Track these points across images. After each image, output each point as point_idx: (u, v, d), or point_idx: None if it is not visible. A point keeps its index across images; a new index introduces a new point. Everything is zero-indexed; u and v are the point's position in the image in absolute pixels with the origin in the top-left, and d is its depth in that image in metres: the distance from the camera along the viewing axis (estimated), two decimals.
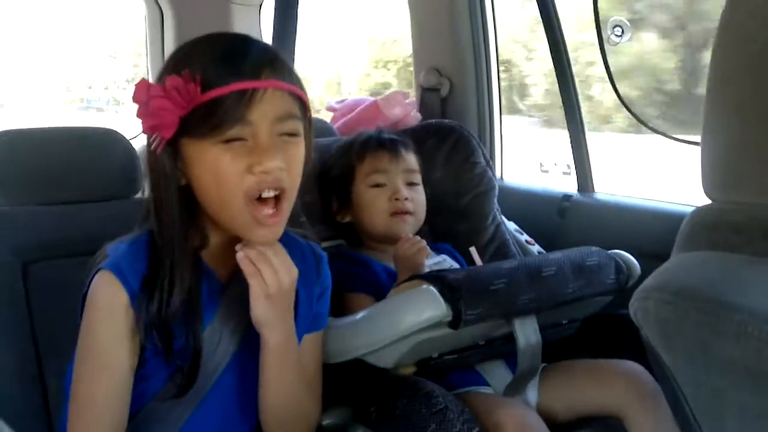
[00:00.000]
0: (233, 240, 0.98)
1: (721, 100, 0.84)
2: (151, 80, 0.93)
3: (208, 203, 0.96)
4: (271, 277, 0.93)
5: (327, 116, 2.10)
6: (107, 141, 1.36)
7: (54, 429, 1.15)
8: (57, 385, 1.13)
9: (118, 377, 0.94)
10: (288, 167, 0.94)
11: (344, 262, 1.45)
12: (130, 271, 0.94)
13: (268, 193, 0.93)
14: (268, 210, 0.93)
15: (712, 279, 0.72)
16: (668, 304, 0.71)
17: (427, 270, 1.41)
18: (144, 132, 0.93)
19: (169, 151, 0.93)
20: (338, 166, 1.53)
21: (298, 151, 0.96)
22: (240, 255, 0.94)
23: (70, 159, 1.32)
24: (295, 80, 0.97)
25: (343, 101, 2.10)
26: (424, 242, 1.39)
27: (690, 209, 1.57)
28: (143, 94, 0.90)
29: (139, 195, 1.39)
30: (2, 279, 1.17)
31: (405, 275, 1.33)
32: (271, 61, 0.94)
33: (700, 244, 0.84)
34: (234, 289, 1.00)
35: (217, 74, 0.90)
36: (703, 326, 0.68)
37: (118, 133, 1.38)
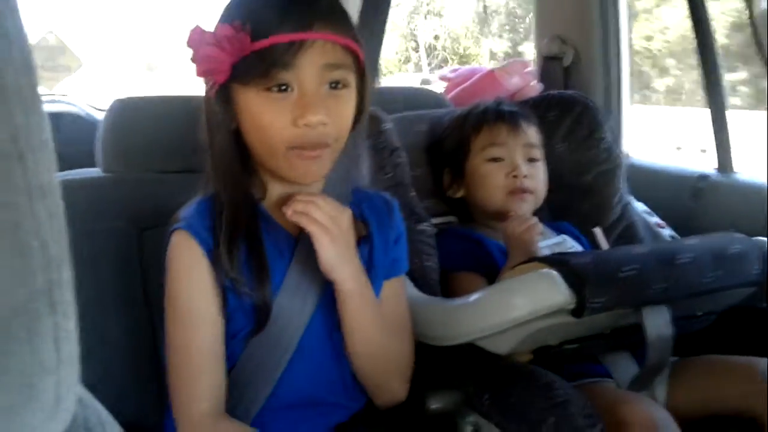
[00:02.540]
0: (293, 189, 1.00)
1: None
2: None
3: (256, 150, 0.98)
4: (325, 218, 0.94)
5: (440, 87, 2.03)
6: None
7: (165, 396, 1.17)
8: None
9: (208, 331, 0.96)
10: (333, 120, 0.95)
11: (455, 239, 1.39)
12: (201, 228, 0.97)
13: (313, 152, 0.95)
14: (310, 152, 0.95)
15: None
16: None
17: (545, 251, 1.33)
18: (197, 75, 0.96)
19: (222, 96, 0.95)
20: (452, 137, 1.47)
21: (346, 104, 0.97)
22: (289, 212, 0.95)
23: (187, 128, 1.32)
24: (349, 30, 0.97)
25: (457, 70, 2.03)
26: (535, 219, 1.31)
27: None
28: (195, 41, 0.93)
29: None
30: (118, 245, 1.20)
31: (517, 256, 1.26)
32: (322, 11, 0.94)
33: None
34: (306, 241, 1.00)
35: (267, 23, 0.91)
36: None
37: None
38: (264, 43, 0.90)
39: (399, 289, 1.11)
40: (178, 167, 1.30)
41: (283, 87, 0.93)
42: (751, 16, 1.50)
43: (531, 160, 1.42)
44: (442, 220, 1.49)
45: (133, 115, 1.29)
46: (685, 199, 1.69)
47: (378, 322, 1.02)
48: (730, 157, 1.69)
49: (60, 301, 0.31)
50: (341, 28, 0.95)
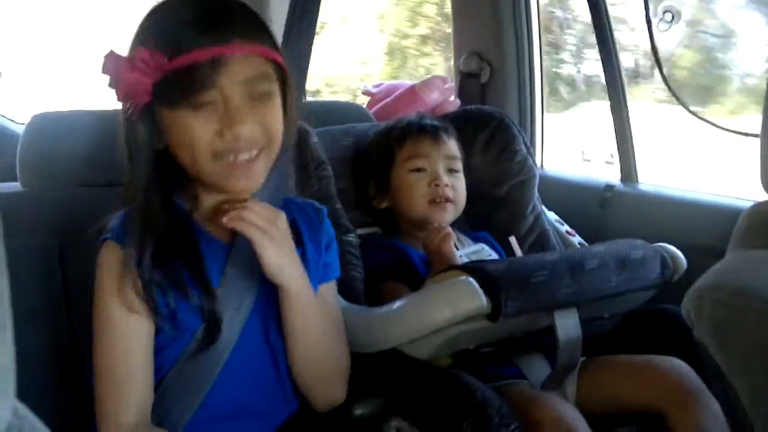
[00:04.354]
0: (227, 202, 1.00)
1: None
2: None
3: (186, 165, 0.97)
4: (262, 221, 0.95)
5: (363, 101, 2.07)
6: None
7: (89, 411, 1.16)
8: (91, 366, 1.14)
9: (135, 341, 0.96)
10: (264, 128, 0.96)
11: (379, 249, 1.43)
12: (127, 238, 0.97)
13: (243, 156, 0.95)
14: (241, 164, 0.95)
15: None
16: (725, 304, 0.68)
17: (464, 259, 1.39)
18: (118, 100, 0.95)
19: (145, 117, 0.95)
20: (378, 150, 1.51)
21: (273, 112, 0.98)
22: (225, 219, 0.95)
23: (105, 142, 1.31)
24: (268, 40, 0.98)
25: (380, 85, 2.08)
26: (448, 229, 1.36)
27: (738, 202, 1.53)
28: (111, 67, 0.92)
29: None
30: (39, 261, 1.18)
31: (438, 265, 1.31)
32: (238, 24, 0.94)
33: (757, 241, 0.80)
34: (238, 249, 1.01)
35: (184, 41, 0.90)
36: (761, 328, 0.65)
37: None
38: (182, 60, 0.90)
39: (333, 292, 1.14)
40: (98, 181, 1.29)
41: (207, 103, 0.92)
42: (651, 38, 1.60)
43: (451, 171, 1.47)
44: (366, 231, 1.52)
45: (52, 129, 1.27)
46: (593, 208, 1.78)
47: (321, 323, 1.04)
48: (634, 167, 1.79)
49: None
50: (259, 38, 0.96)
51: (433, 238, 1.35)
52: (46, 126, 1.27)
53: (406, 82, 2.02)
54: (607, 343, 1.34)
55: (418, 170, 1.45)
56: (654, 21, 1.54)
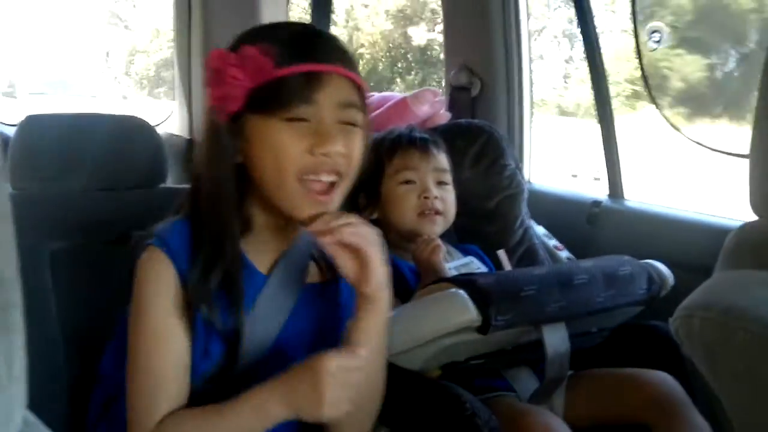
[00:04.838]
0: (277, 229, 1.00)
1: None
2: (175, 67, 0.93)
3: (264, 181, 0.96)
4: (359, 227, 0.94)
5: None
6: (135, 129, 1.36)
7: (78, 415, 1.15)
8: (82, 371, 1.13)
9: (174, 350, 0.93)
10: (347, 154, 0.95)
11: None
12: (176, 248, 0.94)
13: (327, 177, 0.94)
14: (321, 188, 0.94)
15: (759, 299, 0.70)
16: (714, 323, 0.69)
17: (452, 271, 1.39)
18: (212, 102, 0.94)
19: (231, 126, 0.94)
20: (367, 161, 1.51)
21: (358, 140, 0.97)
22: (339, 236, 0.92)
23: (98, 146, 1.31)
24: (357, 71, 0.98)
25: (370, 97, 2.08)
26: (437, 241, 1.37)
27: (725, 221, 1.55)
28: (218, 60, 0.92)
29: (163, 184, 1.39)
30: (29, 263, 1.17)
31: (428, 277, 1.32)
32: (339, 49, 0.97)
33: (745, 261, 0.81)
34: (274, 280, 1.00)
35: (289, 54, 0.92)
36: (750, 348, 0.66)
37: (145, 121, 1.38)
38: (286, 70, 0.91)
39: None
40: (89, 184, 1.29)
41: (302, 119, 0.93)
42: (640, 60, 1.63)
43: (441, 183, 1.48)
44: None
45: (43, 131, 1.27)
46: (581, 223, 1.80)
47: (381, 353, 1.01)
48: (621, 184, 1.81)
49: (13, 321, 0.33)
50: (354, 67, 0.97)
51: (422, 250, 1.36)
52: (38, 128, 1.26)
53: (397, 94, 2.04)
54: (595, 357, 1.35)
55: (408, 182, 1.46)
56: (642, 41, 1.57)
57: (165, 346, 0.93)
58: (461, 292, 1.11)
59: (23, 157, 1.25)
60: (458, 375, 1.21)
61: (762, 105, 0.84)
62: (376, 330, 0.98)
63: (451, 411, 1.07)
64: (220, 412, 0.91)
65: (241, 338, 0.95)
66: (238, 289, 0.95)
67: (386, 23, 8.36)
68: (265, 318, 0.99)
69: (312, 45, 0.95)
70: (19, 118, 1.28)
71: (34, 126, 1.27)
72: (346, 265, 0.94)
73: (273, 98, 0.92)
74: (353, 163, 0.97)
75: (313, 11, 1.40)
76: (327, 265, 1.06)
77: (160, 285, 0.94)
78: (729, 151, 1.42)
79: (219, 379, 0.96)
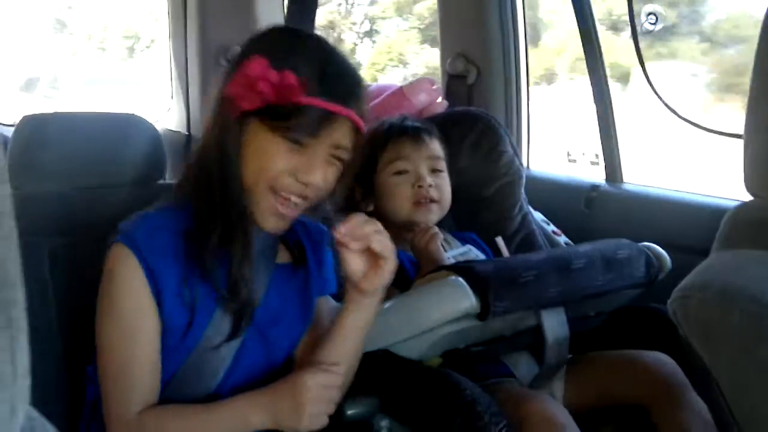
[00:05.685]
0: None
1: (766, 94, 0.81)
2: (172, 64, 0.96)
3: (244, 180, 1.00)
4: (386, 237, 0.99)
5: None
6: (132, 126, 1.36)
7: (75, 413, 1.16)
8: (80, 369, 1.14)
9: (145, 343, 0.98)
10: (322, 188, 1.02)
11: None
12: (143, 241, 0.98)
13: (295, 200, 1.00)
14: (286, 206, 1.00)
15: (756, 279, 0.71)
16: (711, 304, 0.69)
17: (451, 260, 1.40)
18: (229, 93, 0.98)
19: (238, 123, 0.99)
20: (361, 154, 1.51)
21: (334, 175, 1.04)
22: (377, 247, 0.97)
23: (96, 144, 1.32)
24: (365, 111, 1.04)
25: (367, 87, 2.08)
26: (435, 229, 1.37)
27: (722, 202, 1.56)
28: (257, 71, 0.95)
29: (161, 181, 1.39)
30: (27, 260, 1.17)
31: (426, 265, 1.32)
32: (359, 90, 1.03)
33: (742, 241, 0.82)
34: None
35: (319, 88, 0.96)
36: (746, 327, 0.66)
37: (143, 118, 1.38)
38: (309, 101, 0.96)
39: (328, 306, 1.17)
40: (87, 183, 1.30)
41: (299, 144, 0.98)
42: (636, 42, 1.63)
43: (435, 171, 1.48)
44: None
45: (42, 131, 1.27)
46: (579, 208, 1.80)
47: (362, 340, 1.07)
48: (619, 167, 1.82)
49: (16, 317, 0.33)
50: (364, 108, 1.04)
51: (420, 238, 1.36)
52: (36, 128, 1.27)
53: (394, 83, 2.03)
54: (593, 341, 1.36)
55: (401, 172, 1.45)
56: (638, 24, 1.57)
57: (134, 337, 0.98)
58: (460, 279, 1.11)
59: (22, 157, 1.25)
60: (458, 362, 1.22)
61: (756, 85, 0.84)
62: (366, 321, 1.05)
63: (452, 398, 1.07)
64: (203, 415, 0.97)
65: (250, 303, 1.01)
66: (248, 257, 1.00)
67: None
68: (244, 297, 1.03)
69: (340, 82, 1.00)
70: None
71: (32, 125, 1.27)
72: (354, 264, 0.99)
73: (286, 116, 0.96)
74: (321, 194, 1.03)
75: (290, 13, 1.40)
76: (294, 249, 1.12)
77: (127, 280, 0.98)
78: (723, 131, 1.42)
79: (206, 355, 1.00)
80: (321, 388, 0.94)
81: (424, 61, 5.30)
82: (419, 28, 5.53)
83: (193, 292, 0.98)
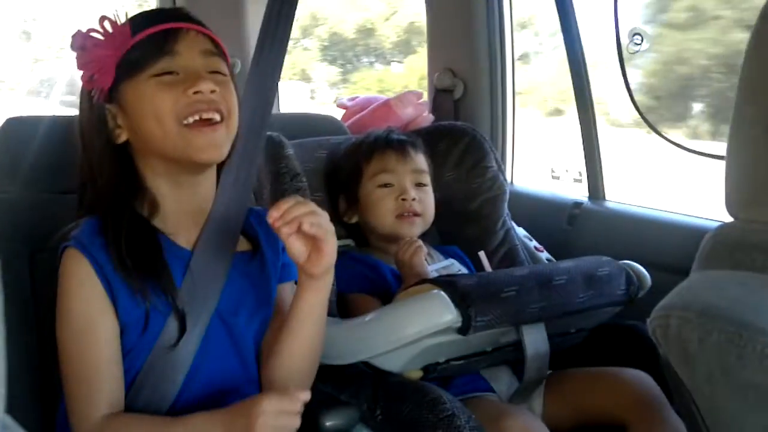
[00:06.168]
0: (190, 205, 1.05)
1: (749, 116, 0.83)
2: None
3: (151, 141, 1.00)
4: (319, 217, 0.97)
5: (338, 114, 2.08)
6: None
7: (55, 418, 1.15)
8: (58, 374, 1.13)
9: (104, 344, 0.97)
10: (221, 94, 0.99)
11: (351, 262, 1.44)
12: (88, 242, 0.98)
13: (207, 114, 0.98)
14: (207, 129, 0.98)
15: (735, 300, 0.71)
16: (690, 324, 0.70)
17: (434, 273, 1.40)
18: (84, 85, 1.01)
19: (106, 106, 1.00)
20: (346, 165, 1.52)
21: (229, 89, 1.02)
22: (307, 227, 0.95)
23: (79, 148, 1.31)
24: (206, 26, 1.05)
25: (354, 98, 2.09)
26: (419, 242, 1.38)
27: (703, 222, 1.57)
28: (80, 39, 0.98)
29: None
30: (9, 267, 1.16)
31: (409, 278, 1.32)
32: (189, 14, 1.05)
33: (722, 262, 0.83)
34: (200, 251, 1.04)
35: (143, 22, 1.00)
36: (725, 348, 0.67)
37: None
38: (143, 34, 0.98)
39: (290, 291, 1.14)
40: (70, 187, 1.28)
41: (169, 72, 0.98)
42: (621, 62, 1.65)
43: (419, 185, 1.48)
44: (339, 243, 1.52)
45: (25, 134, 1.26)
46: (561, 224, 1.81)
47: (321, 322, 1.06)
48: (602, 185, 1.83)
49: None
50: (204, 26, 1.04)
51: (405, 251, 1.37)
52: (20, 131, 1.25)
53: (381, 96, 2.04)
54: (573, 357, 1.37)
55: (386, 185, 1.46)
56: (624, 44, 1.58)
57: (95, 341, 0.97)
58: (442, 293, 1.11)
59: (3, 161, 1.24)
60: (438, 376, 1.22)
61: (738, 107, 0.85)
62: (319, 304, 1.04)
63: (432, 411, 1.07)
64: (167, 426, 0.96)
65: (181, 311, 0.99)
66: (165, 271, 1.00)
67: None
68: (200, 289, 1.03)
69: (163, 11, 1.08)
70: None
71: (14, 129, 1.25)
72: (295, 247, 0.98)
73: (137, 60, 0.97)
74: (231, 106, 1.01)
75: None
76: (249, 236, 1.11)
77: (80, 283, 0.98)
78: (706, 153, 1.43)
79: (168, 351, 1.00)
80: (276, 415, 0.92)
81: (323, 76, 5.82)
82: (319, 48, 5.95)
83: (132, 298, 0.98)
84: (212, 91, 0.98)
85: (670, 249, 1.50)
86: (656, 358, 0.79)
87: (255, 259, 1.10)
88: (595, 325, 1.36)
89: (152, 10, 1.07)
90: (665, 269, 1.29)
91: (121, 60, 0.98)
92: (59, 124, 1.30)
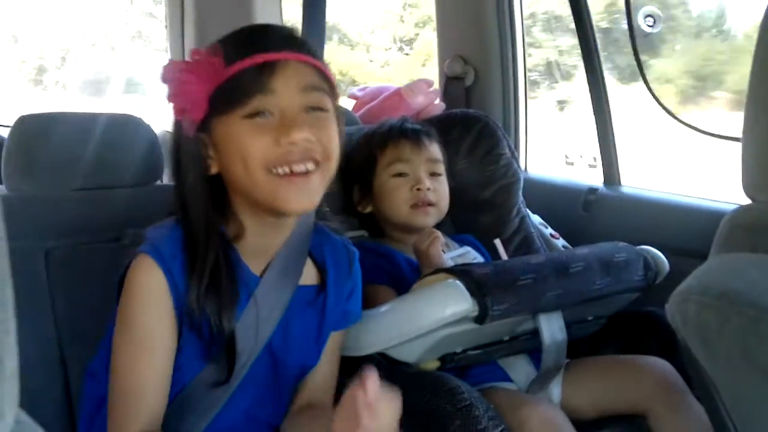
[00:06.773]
0: (269, 231, 1.00)
1: (764, 98, 0.81)
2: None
3: (238, 183, 0.94)
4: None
5: (349, 104, 2.08)
6: (130, 127, 1.36)
7: (74, 413, 1.16)
8: (78, 370, 1.14)
9: (159, 360, 0.94)
10: (319, 139, 0.92)
11: (365, 253, 1.43)
12: (168, 256, 0.93)
13: (300, 167, 0.91)
14: (298, 178, 0.91)
15: (755, 283, 0.70)
16: (709, 307, 0.69)
17: (449, 262, 1.39)
18: (175, 116, 0.94)
19: (199, 136, 0.93)
20: (360, 155, 1.51)
21: (329, 127, 0.95)
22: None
23: (93, 145, 1.31)
24: (318, 57, 0.96)
25: (365, 89, 2.08)
26: (437, 233, 1.37)
27: (720, 205, 1.55)
28: (170, 71, 0.91)
29: (158, 182, 1.39)
30: (25, 264, 1.17)
31: (427, 268, 1.31)
32: (291, 37, 0.96)
33: (739, 245, 0.81)
34: (266, 282, 1.00)
35: (238, 51, 0.91)
36: (745, 332, 0.66)
37: (140, 119, 1.38)
38: (238, 66, 0.90)
39: (340, 340, 1.11)
40: (84, 184, 1.29)
41: (263, 113, 0.91)
42: (634, 44, 1.63)
43: (433, 174, 1.48)
44: (353, 234, 1.52)
45: (38, 132, 1.26)
46: (577, 211, 1.80)
47: None
48: (617, 170, 1.81)
49: (3, 319, 0.33)
50: (310, 52, 0.95)
51: (423, 241, 1.36)
52: (32, 128, 1.26)
53: (391, 85, 2.03)
54: (591, 345, 1.36)
55: (400, 175, 1.45)
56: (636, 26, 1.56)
57: (151, 355, 0.94)
58: (458, 282, 1.11)
59: (18, 158, 1.25)
60: (455, 366, 1.21)
61: (754, 88, 0.84)
62: None
63: (449, 402, 1.07)
64: None
65: (235, 341, 0.95)
66: (228, 293, 0.95)
67: None
68: (259, 319, 0.99)
69: (259, 36, 0.94)
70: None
71: (27, 126, 1.26)
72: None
73: (230, 96, 0.90)
74: (329, 149, 0.94)
75: (304, 9, 1.39)
76: (317, 263, 1.06)
77: (150, 294, 0.94)
78: (721, 135, 1.41)
79: (217, 380, 0.96)
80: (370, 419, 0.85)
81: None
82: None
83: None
84: (308, 140, 0.91)
85: (687, 233, 1.48)
86: (675, 344, 0.78)
87: (319, 296, 1.06)
88: (612, 312, 1.34)
89: (249, 33, 0.95)
90: (682, 254, 1.28)
91: (213, 93, 0.90)
92: (70, 121, 1.31)
